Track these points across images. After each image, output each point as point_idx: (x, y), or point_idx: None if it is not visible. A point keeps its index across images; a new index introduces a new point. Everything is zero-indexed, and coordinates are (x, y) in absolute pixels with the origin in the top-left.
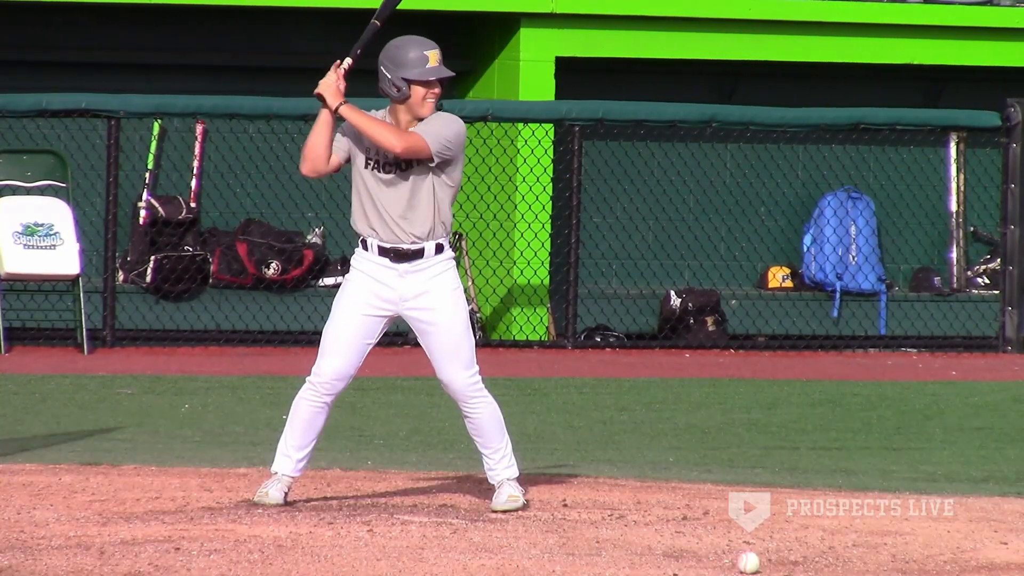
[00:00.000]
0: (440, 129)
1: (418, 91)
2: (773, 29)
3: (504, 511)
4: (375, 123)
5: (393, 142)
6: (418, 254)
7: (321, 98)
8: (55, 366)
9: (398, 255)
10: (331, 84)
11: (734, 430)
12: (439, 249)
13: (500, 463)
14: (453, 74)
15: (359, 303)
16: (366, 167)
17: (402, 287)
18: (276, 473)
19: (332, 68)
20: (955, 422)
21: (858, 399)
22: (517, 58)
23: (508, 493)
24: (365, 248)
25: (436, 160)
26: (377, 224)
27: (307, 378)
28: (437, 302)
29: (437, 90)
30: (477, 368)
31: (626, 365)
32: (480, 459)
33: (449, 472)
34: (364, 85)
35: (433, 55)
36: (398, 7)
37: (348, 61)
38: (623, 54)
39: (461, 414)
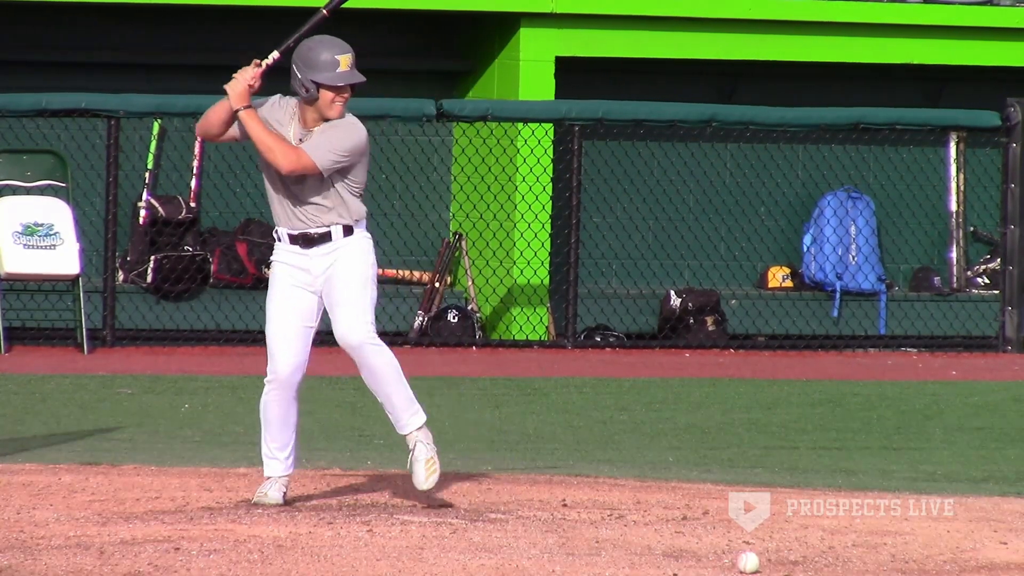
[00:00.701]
0: (334, 143)
1: (326, 94)
2: (773, 29)
3: (430, 488)
4: (267, 137)
5: (280, 162)
6: (325, 237)
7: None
8: (55, 366)
9: (307, 240)
10: (240, 83)
11: (734, 430)
12: (347, 231)
13: (404, 411)
14: (364, 79)
15: (287, 290)
16: None
17: (313, 266)
18: (269, 478)
19: (252, 63)
20: (955, 422)
21: (858, 399)
22: (517, 58)
23: (424, 460)
24: (279, 239)
25: (326, 174)
26: (286, 213)
27: (265, 380)
28: (337, 267)
29: (346, 94)
30: (373, 321)
31: (626, 365)
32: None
33: (449, 472)
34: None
35: (344, 59)
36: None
37: (274, 56)
38: (623, 54)
39: (357, 366)
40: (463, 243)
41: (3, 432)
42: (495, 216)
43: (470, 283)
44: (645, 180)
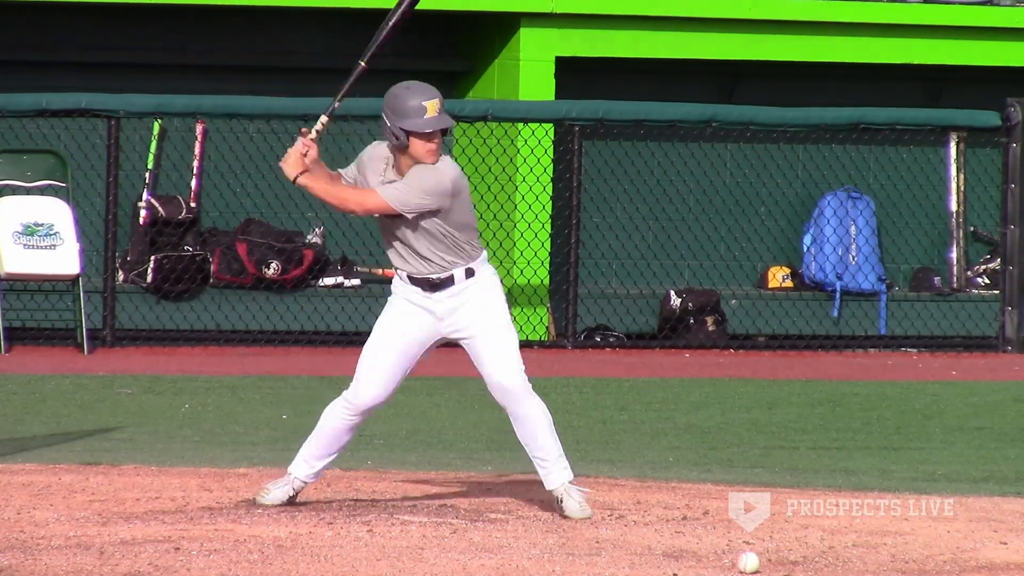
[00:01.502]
0: (412, 185)
1: (416, 141)
2: (773, 29)
3: (578, 519)
4: (332, 190)
5: (352, 208)
6: (448, 282)
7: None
8: (55, 366)
9: (430, 285)
10: (291, 156)
11: (734, 430)
12: (469, 273)
13: (555, 467)
14: (453, 123)
15: (398, 321)
16: None
17: (437, 308)
18: (290, 474)
19: (299, 135)
20: (955, 422)
21: (858, 399)
22: (517, 58)
23: (579, 500)
24: (400, 278)
25: (411, 216)
26: (404, 260)
27: (344, 393)
28: (472, 313)
29: (436, 139)
30: (524, 368)
31: (626, 365)
32: (534, 467)
33: (449, 472)
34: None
35: (432, 105)
36: (381, 47)
37: (322, 121)
38: (623, 54)
39: (510, 419)
40: None
41: (3, 432)
42: (495, 216)
43: None
44: (645, 180)
